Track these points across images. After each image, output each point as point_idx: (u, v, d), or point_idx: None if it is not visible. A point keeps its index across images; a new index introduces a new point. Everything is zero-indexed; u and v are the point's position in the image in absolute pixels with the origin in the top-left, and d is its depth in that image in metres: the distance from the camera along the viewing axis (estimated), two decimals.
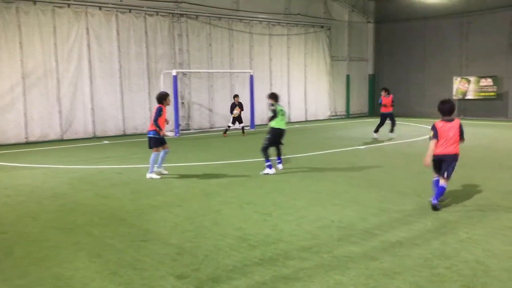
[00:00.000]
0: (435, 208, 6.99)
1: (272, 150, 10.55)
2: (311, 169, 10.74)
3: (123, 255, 5.36)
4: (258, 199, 7.94)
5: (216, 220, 6.71)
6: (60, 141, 18.04)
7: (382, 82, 29.80)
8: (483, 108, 25.30)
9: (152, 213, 7.20)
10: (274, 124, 10.43)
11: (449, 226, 6.20)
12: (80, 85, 18.75)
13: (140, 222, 6.72)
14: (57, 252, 5.54)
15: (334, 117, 28.17)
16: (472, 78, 25.16)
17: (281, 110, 10.52)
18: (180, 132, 20.01)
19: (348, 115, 28.96)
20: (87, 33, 18.74)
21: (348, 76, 28.79)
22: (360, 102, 29.80)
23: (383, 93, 16.99)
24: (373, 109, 30.21)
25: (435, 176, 7.36)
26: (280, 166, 10.69)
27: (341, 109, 28.71)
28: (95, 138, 18.84)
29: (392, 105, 16.69)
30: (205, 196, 8.28)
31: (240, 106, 18.47)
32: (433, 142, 7.14)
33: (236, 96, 18.93)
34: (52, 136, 18.13)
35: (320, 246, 5.50)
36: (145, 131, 20.35)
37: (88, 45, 18.78)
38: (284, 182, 9.33)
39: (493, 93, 24.36)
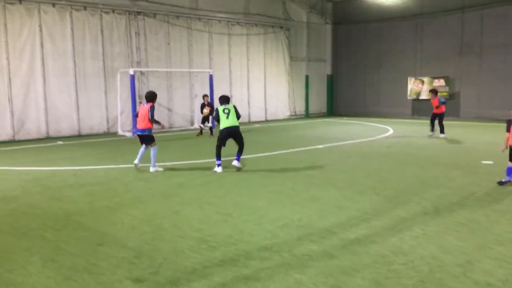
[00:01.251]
0: (501, 183, 8.58)
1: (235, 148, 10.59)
2: (271, 169, 10.77)
3: (78, 260, 5.19)
4: (218, 200, 7.88)
5: (175, 222, 6.61)
6: (12, 142, 17.37)
7: (340, 83, 30.33)
8: None
9: (108, 216, 7.01)
10: (220, 125, 10.59)
11: (405, 223, 6.34)
12: (33, 84, 18.14)
13: (96, 225, 6.53)
14: (8, 258, 5.30)
15: (294, 117, 28.41)
16: (425, 79, 25.96)
17: (224, 109, 10.48)
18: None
19: (307, 115, 29.27)
20: (40, 30, 18.14)
21: (307, 77, 29.11)
22: (319, 102, 30.18)
23: (431, 95, 17.32)
24: (332, 109, 30.69)
25: (510, 164, 8.58)
26: (234, 162, 10.58)
27: (300, 109, 29.00)
28: (48, 138, 18.25)
29: (437, 107, 16.77)
30: (164, 198, 8.15)
31: (210, 106, 18.10)
32: (507, 134, 8.68)
33: (205, 95, 18.53)
34: (3, 137, 17.43)
35: (280, 246, 5.51)
36: (101, 131, 19.98)
37: (41, 43, 18.18)
38: (245, 182, 9.31)
39: (445, 93, 25.20)
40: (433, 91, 17.33)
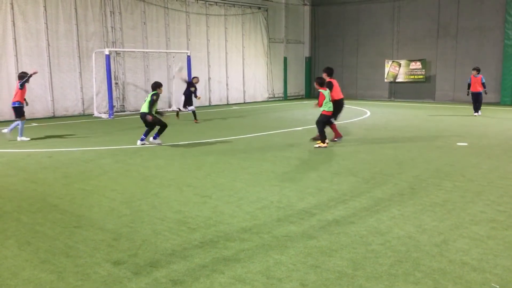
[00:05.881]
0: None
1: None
2: (250, 151, 10.76)
3: (55, 242, 5.12)
4: (198, 182, 7.85)
5: (154, 204, 6.56)
6: None
7: (318, 65, 30.34)
8: (413, 91, 26.43)
9: (85, 198, 6.92)
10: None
11: (382, 204, 6.43)
12: (5, 64, 17.64)
13: (72, 208, 6.44)
14: None
15: (272, 99, 28.38)
16: (402, 62, 26.17)
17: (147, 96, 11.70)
18: (114, 114, 19.36)
19: (285, 97, 29.28)
20: (12, 8, 17.57)
21: (285, 59, 29.02)
22: (297, 84, 30.19)
23: (473, 72, 17.44)
24: (310, 91, 30.74)
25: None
26: (151, 140, 11.86)
27: (278, 91, 28.97)
28: None
29: (482, 85, 17.13)
30: (142, 179, 8.07)
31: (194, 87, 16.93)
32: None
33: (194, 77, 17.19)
34: None
35: (260, 227, 5.53)
36: (76, 112, 19.63)
37: (13, 22, 17.63)
38: (224, 164, 9.28)
39: (421, 76, 25.49)
40: (477, 69, 17.45)
